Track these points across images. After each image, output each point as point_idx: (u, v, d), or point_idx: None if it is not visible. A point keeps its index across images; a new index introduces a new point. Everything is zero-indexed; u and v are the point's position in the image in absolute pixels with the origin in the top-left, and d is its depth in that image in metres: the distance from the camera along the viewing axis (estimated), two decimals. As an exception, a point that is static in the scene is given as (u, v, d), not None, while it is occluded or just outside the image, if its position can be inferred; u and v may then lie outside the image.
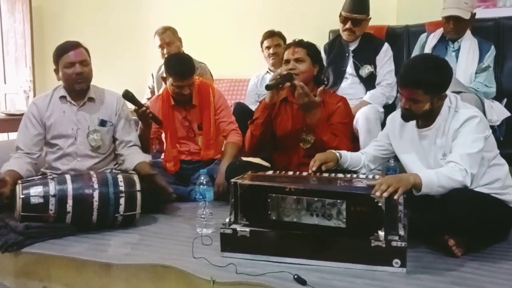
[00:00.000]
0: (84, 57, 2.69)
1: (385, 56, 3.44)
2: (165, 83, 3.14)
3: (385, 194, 1.87)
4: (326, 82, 3.23)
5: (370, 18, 3.47)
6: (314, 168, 2.30)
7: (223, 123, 3.17)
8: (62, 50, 2.68)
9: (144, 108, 2.89)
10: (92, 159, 2.76)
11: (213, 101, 3.15)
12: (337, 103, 2.70)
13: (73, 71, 2.65)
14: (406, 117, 2.21)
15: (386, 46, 3.47)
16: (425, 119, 2.20)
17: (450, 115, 2.15)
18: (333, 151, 2.42)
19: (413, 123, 2.27)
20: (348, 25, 3.40)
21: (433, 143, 2.18)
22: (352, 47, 3.48)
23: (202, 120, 3.13)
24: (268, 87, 2.63)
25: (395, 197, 1.89)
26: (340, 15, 3.45)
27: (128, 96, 2.88)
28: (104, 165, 2.80)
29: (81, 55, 2.68)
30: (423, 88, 2.09)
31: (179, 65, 3.01)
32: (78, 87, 2.71)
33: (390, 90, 3.39)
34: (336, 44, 3.55)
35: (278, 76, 2.64)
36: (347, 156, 2.42)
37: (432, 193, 2.05)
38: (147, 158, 2.79)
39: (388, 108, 3.31)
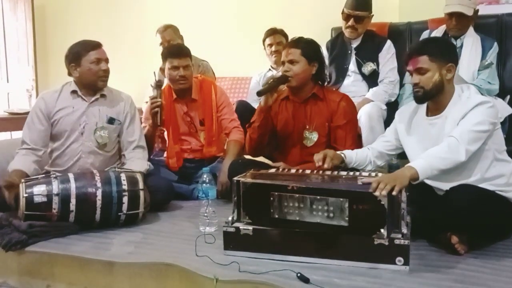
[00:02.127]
0: (107, 56, 2.77)
1: (388, 54, 3.43)
2: (164, 75, 3.14)
3: (384, 192, 1.86)
4: (328, 80, 3.24)
5: (373, 15, 3.46)
6: (326, 165, 2.27)
7: (225, 120, 3.17)
8: (89, 46, 2.73)
9: (159, 100, 2.93)
10: (97, 156, 2.78)
11: (215, 98, 3.15)
12: (339, 101, 2.69)
13: (100, 67, 2.71)
14: (419, 97, 2.19)
15: (388, 43, 3.46)
16: (436, 100, 2.18)
17: (462, 102, 2.14)
18: (338, 152, 2.41)
19: (422, 113, 2.26)
20: (350, 22, 3.40)
21: (442, 131, 2.17)
22: (355, 44, 3.48)
23: (204, 116, 3.13)
24: (259, 94, 2.63)
25: (393, 193, 1.88)
26: (343, 12, 3.44)
27: (159, 83, 2.96)
28: (108, 163, 2.82)
29: (106, 54, 2.77)
30: (428, 53, 2.12)
31: (174, 46, 3.14)
32: (101, 84, 2.76)
33: (392, 88, 3.39)
34: (338, 41, 3.55)
35: (271, 80, 2.63)
36: (351, 157, 2.41)
37: (432, 177, 2.05)
38: (144, 167, 2.75)
39: (391, 106, 3.31)
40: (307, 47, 2.67)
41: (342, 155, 2.39)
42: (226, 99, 3.23)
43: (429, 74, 2.13)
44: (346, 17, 3.42)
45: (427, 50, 2.14)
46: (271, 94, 2.65)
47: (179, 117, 3.15)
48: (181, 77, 3.01)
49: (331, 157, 2.31)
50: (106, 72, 2.75)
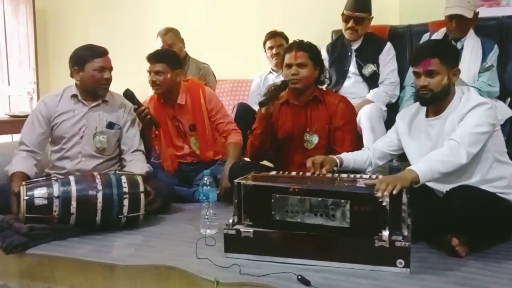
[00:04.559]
0: (111, 64, 2.76)
1: (388, 55, 3.44)
2: None
3: (386, 193, 1.86)
4: (328, 82, 3.25)
5: (372, 17, 3.47)
6: (322, 171, 2.27)
7: (221, 124, 3.15)
8: (96, 53, 2.72)
9: (142, 108, 2.90)
10: (96, 159, 2.78)
11: (204, 102, 3.12)
12: (338, 103, 2.70)
13: (103, 76, 2.71)
14: (426, 99, 2.19)
15: (388, 45, 3.47)
16: (439, 102, 2.19)
17: (461, 103, 2.15)
18: (333, 156, 2.40)
19: (422, 115, 2.27)
20: (350, 24, 3.41)
21: (441, 132, 2.17)
22: (355, 46, 3.48)
23: (195, 121, 3.11)
24: (262, 104, 2.62)
25: (394, 192, 1.88)
26: (343, 14, 3.45)
27: (127, 94, 2.90)
28: (108, 166, 2.82)
29: (111, 62, 2.76)
30: (439, 56, 2.13)
31: (155, 51, 3.09)
32: (102, 92, 2.77)
33: (393, 89, 3.39)
34: (338, 44, 3.56)
35: (272, 88, 2.63)
36: (349, 160, 2.40)
37: (433, 180, 2.06)
38: (144, 169, 2.74)
39: (391, 107, 3.31)
40: (313, 50, 2.68)
41: (338, 159, 2.38)
42: (216, 103, 3.18)
43: (439, 77, 2.14)
44: (346, 19, 3.43)
45: (438, 53, 2.15)
46: (273, 102, 2.66)
47: (169, 121, 3.14)
48: (152, 82, 3.01)
49: (320, 162, 2.30)
50: (108, 80, 2.75)
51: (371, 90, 3.38)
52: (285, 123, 2.79)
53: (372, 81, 3.42)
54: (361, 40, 3.48)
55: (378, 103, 3.27)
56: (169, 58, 3.05)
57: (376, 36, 3.53)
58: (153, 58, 3.02)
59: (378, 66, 3.42)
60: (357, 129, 2.95)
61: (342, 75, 3.47)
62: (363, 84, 3.44)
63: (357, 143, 2.80)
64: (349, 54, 3.48)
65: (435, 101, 2.20)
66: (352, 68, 3.46)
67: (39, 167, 2.75)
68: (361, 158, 2.43)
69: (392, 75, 3.41)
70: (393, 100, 3.40)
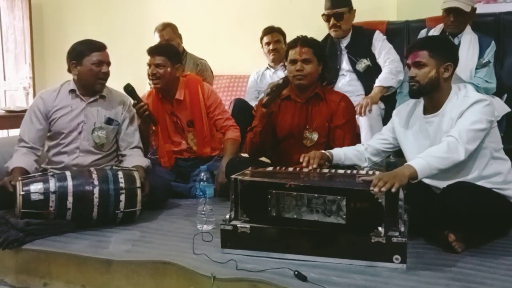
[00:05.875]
0: (109, 59, 2.76)
1: (379, 41, 3.40)
2: None
3: (383, 189, 1.86)
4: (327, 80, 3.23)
5: (354, 10, 3.43)
6: (315, 165, 2.29)
7: (219, 120, 3.14)
8: (94, 47, 2.71)
9: (142, 104, 2.89)
10: (94, 155, 2.78)
11: (202, 98, 3.11)
12: (339, 101, 2.70)
13: (101, 70, 2.71)
14: (414, 91, 2.21)
15: (376, 33, 3.42)
16: (433, 98, 2.19)
17: (459, 100, 2.15)
18: (325, 151, 2.41)
19: (420, 112, 2.27)
20: (332, 22, 3.38)
21: (439, 129, 2.17)
22: (344, 43, 3.45)
23: (194, 117, 3.10)
24: (265, 106, 2.60)
25: (392, 190, 1.88)
26: (323, 15, 3.43)
27: (128, 89, 2.90)
28: (106, 161, 2.82)
29: (109, 57, 2.75)
30: (429, 49, 2.15)
31: (156, 45, 3.11)
32: (99, 87, 2.76)
33: (396, 66, 3.29)
34: (328, 42, 3.51)
35: (274, 87, 2.62)
36: (340, 155, 2.41)
37: (431, 176, 2.06)
38: (144, 162, 2.75)
39: (389, 104, 3.30)
40: (317, 46, 2.68)
41: (328, 153, 2.39)
42: (215, 99, 3.17)
43: (426, 69, 2.15)
44: (327, 18, 3.41)
45: (428, 46, 2.17)
46: (275, 102, 2.65)
47: (167, 116, 3.13)
48: (152, 75, 2.99)
49: (314, 157, 2.31)
50: (106, 75, 2.74)
51: (377, 79, 3.32)
52: (284, 119, 2.77)
53: (366, 76, 3.37)
54: (350, 36, 3.45)
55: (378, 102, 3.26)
56: (170, 52, 3.05)
57: (363, 30, 3.48)
58: (154, 51, 3.01)
59: (372, 60, 3.39)
60: (356, 128, 2.94)
61: (334, 74, 3.42)
62: (358, 82, 3.41)
63: (356, 142, 2.80)
64: (339, 52, 3.45)
65: (423, 93, 2.21)
66: (346, 65, 3.43)
67: (38, 163, 2.74)
68: (352, 154, 2.44)
69: (390, 54, 3.34)
70: (401, 77, 3.28)
